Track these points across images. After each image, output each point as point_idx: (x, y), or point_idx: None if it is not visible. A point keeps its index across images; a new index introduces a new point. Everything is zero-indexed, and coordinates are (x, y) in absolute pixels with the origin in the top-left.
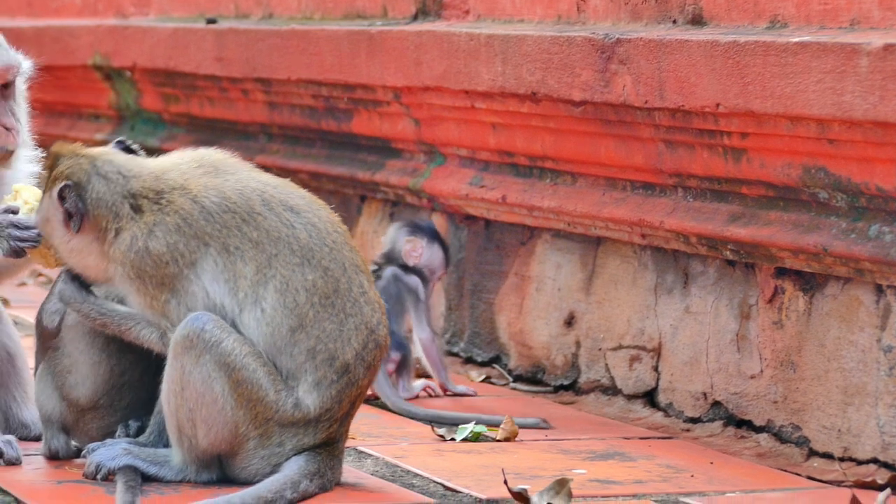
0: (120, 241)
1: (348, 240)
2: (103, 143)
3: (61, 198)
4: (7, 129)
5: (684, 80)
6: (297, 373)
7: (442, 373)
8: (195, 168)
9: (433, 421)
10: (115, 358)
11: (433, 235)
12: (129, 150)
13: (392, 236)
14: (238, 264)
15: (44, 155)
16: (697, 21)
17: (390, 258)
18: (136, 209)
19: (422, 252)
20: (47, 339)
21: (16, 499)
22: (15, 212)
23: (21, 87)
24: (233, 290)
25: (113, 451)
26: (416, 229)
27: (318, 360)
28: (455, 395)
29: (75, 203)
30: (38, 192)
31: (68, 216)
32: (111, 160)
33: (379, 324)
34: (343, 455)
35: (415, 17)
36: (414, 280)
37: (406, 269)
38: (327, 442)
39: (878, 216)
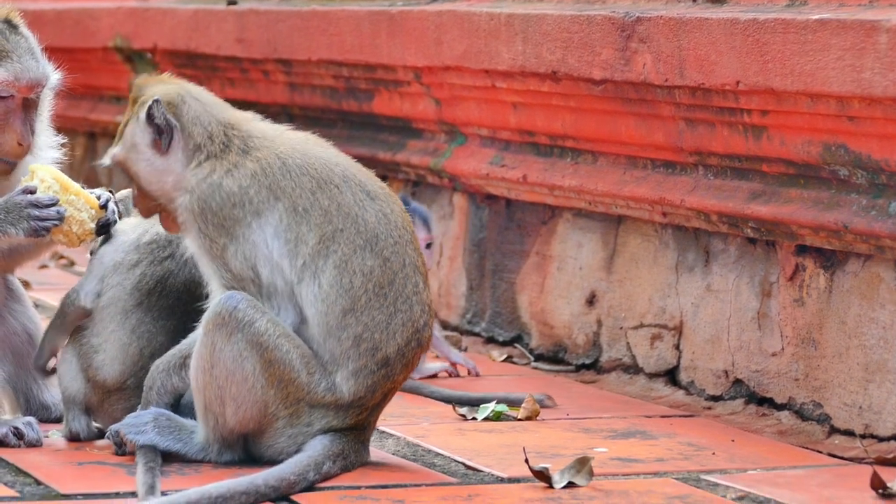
0: (200, 170)
1: (414, 240)
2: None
3: (150, 116)
4: (20, 144)
5: (704, 58)
6: (340, 358)
7: (443, 347)
8: (286, 131)
9: (444, 399)
10: (146, 340)
11: None
12: None
13: None
14: (303, 227)
15: (64, 139)
16: None
17: None
18: (228, 141)
19: None
20: (79, 318)
21: (36, 480)
22: (33, 191)
23: (48, 97)
24: (292, 252)
25: (140, 422)
26: None
27: (361, 349)
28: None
29: (165, 118)
30: (55, 172)
31: (158, 134)
32: (203, 90)
33: (425, 326)
34: (369, 442)
35: None
36: None
37: None
38: (355, 427)
39: None
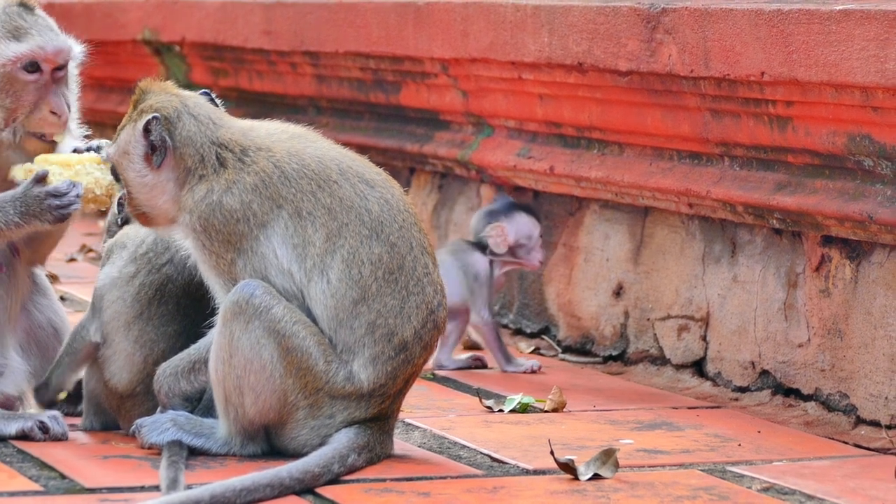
0: (196, 191)
1: (418, 221)
2: None
3: (146, 130)
4: (57, 115)
5: (729, 48)
6: (354, 346)
7: (501, 358)
8: (281, 134)
9: None
10: (148, 348)
11: (510, 208)
12: (212, 101)
13: (475, 228)
14: (309, 230)
15: (89, 131)
16: None
17: (478, 247)
18: (221, 162)
19: (507, 231)
20: (91, 353)
21: (61, 474)
22: (44, 177)
23: (73, 71)
24: (301, 256)
25: (159, 424)
26: (492, 215)
27: (377, 335)
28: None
29: (161, 136)
30: (47, 156)
31: (151, 149)
32: (202, 104)
33: (439, 306)
34: (393, 431)
35: None
36: (477, 260)
37: (477, 249)
38: (378, 417)
39: None
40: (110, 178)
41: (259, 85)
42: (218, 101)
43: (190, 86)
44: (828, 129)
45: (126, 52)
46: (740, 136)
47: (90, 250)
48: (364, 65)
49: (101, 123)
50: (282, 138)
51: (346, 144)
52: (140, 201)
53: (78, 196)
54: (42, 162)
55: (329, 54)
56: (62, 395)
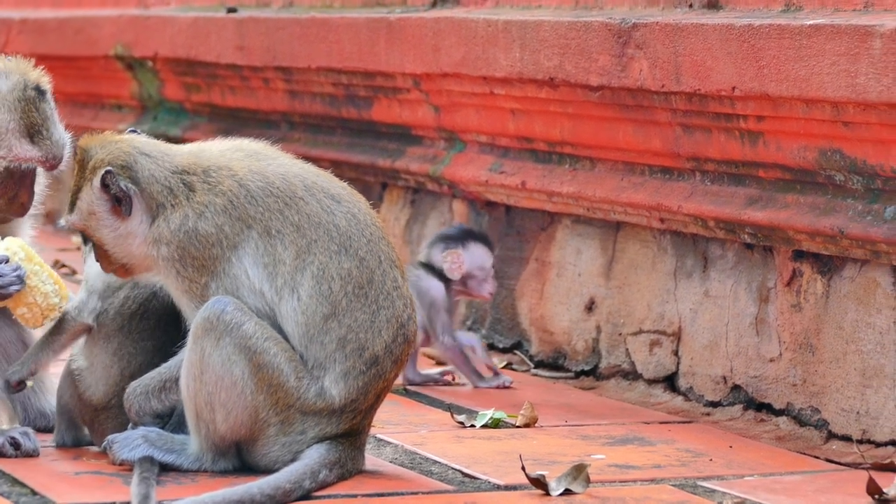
0: (170, 221)
1: (385, 235)
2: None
3: (105, 185)
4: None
5: (700, 64)
6: (325, 362)
7: (472, 376)
8: (235, 152)
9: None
10: (126, 361)
11: (466, 237)
12: None
13: (427, 255)
14: (278, 248)
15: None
16: (713, 5)
17: (434, 272)
18: (189, 186)
19: (463, 259)
20: (79, 334)
21: (32, 490)
22: (6, 262)
23: None
24: (271, 275)
25: (130, 440)
26: (448, 240)
27: (347, 350)
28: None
29: (121, 186)
30: (23, 243)
31: (116, 202)
32: (146, 140)
33: (409, 319)
34: (365, 446)
35: (433, 4)
36: (433, 286)
37: (433, 273)
38: (350, 432)
39: (894, 198)
40: (58, 301)
41: (232, 100)
42: (144, 135)
43: (163, 101)
44: (799, 143)
45: (99, 67)
46: (711, 150)
47: (63, 265)
48: (336, 80)
49: (73, 139)
50: (238, 156)
51: (318, 160)
52: (117, 253)
53: (20, 279)
54: (13, 243)
55: (301, 70)
56: (30, 383)
